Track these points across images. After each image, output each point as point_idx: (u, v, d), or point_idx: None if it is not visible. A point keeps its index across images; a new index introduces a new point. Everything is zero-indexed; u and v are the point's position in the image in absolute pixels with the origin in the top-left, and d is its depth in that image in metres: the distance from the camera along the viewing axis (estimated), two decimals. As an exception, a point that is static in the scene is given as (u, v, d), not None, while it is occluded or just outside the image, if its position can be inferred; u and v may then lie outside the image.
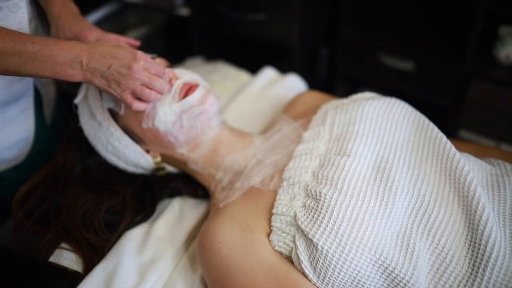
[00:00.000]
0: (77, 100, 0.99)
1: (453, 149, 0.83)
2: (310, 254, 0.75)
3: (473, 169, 0.84)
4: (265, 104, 1.30)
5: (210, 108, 0.93)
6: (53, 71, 0.79)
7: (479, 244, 0.73)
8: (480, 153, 0.97)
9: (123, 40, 0.97)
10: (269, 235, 0.81)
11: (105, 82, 0.82)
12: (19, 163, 1.04)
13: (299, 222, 0.77)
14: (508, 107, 1.64)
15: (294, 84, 1.39)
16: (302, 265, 0.76)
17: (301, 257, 0.76)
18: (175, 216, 1.00)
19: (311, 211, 0.77)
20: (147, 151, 0.99)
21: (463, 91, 1.72)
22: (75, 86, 0.98)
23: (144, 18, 1.98)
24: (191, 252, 0.94)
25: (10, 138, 1.00)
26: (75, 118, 1.01)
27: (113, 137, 0.96)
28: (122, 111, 0.94)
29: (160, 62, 0.98)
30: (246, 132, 1.03)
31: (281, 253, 0.80)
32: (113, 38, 0.96)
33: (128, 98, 0.84)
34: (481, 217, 0.74)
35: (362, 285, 0.74)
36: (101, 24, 1.80)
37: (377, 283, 0.74)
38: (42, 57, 0.77)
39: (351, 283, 0.74)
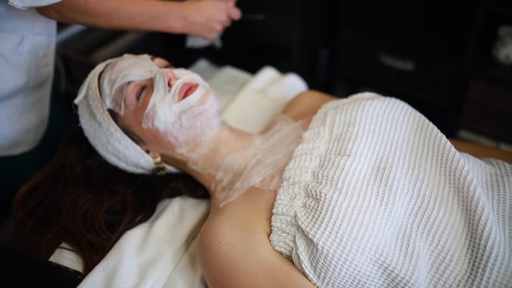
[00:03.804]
0: (77, 100, 0.99)
1: (453, 149, 0.83)
2: (310, 254, 0.75)
3: (472, 169, 0.84)
4: (265, 104, 1.30)
5: (210, 108, 0.93)
6: (164, 26, 1.06)
7: (479, 244, 0.73)
8: (479, 153, 0.97)
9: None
10: (269, 235, 0.81)
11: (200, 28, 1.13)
12: (34, 147, 1.15)
13: (299, 222, 0.77)
14: (507, 107, 1.64)
15: (294, 84, 1.39)
16: (302, 265, 0.76)
17: (301, 257, 0.76)
18: (175, 216, 1.00)
19: (311, 211, 0.77)
20: (147, 152, 0.99)
21: (463, 91, 1.72)
22: (74, 86, 0.99)
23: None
24: (191, 252, 0.94)
25: (27, 124, 1.12)
26: (75, 118, 1.01)
27: (113, 137, 0.96)
28: (122, 112, 0.94)
29: (159, 63, 0.98)
30: (246, 132, 1.03)
31: (281, 253, 0.80)
32: None
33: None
34: (480, 217, 0.74)
35: (362, 285, 0.74)
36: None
37: (377, 283, 0.74)
38: (159, 15, 1.04)
39: (351, 283, 0.74)
